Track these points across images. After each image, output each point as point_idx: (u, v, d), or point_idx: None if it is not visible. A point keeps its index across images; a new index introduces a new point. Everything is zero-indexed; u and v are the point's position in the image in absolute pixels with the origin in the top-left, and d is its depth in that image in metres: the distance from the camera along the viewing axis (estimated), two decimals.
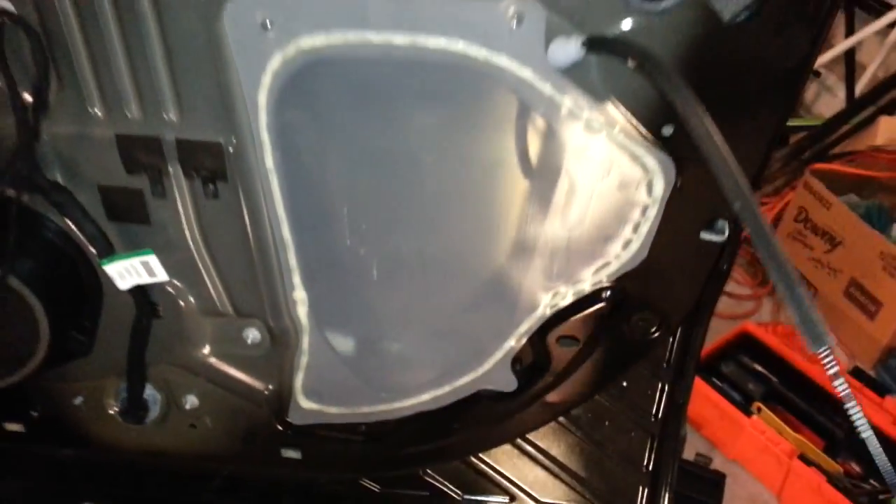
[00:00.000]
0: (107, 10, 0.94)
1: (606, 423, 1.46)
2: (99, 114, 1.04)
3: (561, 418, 1.44)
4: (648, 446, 1.43)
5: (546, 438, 1.49)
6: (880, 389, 2.50)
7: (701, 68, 0.90)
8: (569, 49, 0.89)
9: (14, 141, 1.03)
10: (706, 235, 1.07)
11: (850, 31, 3.58)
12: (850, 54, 3.57)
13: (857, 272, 2.75)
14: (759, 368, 2.48)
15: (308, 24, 0.93)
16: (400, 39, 0.93)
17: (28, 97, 1.01)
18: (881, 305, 2.66)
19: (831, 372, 0.65)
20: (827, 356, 0.62)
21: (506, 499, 1.56)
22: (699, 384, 2.41)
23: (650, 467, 1.45)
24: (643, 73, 0.81)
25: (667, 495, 1.43)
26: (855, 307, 2.76)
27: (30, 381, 1.26)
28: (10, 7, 0.94)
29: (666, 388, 1.39)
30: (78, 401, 1.45)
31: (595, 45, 0.86)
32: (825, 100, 3.92)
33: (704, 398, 2.40)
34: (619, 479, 1.49)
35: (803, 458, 2.20)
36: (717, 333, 2.68)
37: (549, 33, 0.90)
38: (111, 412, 1.44)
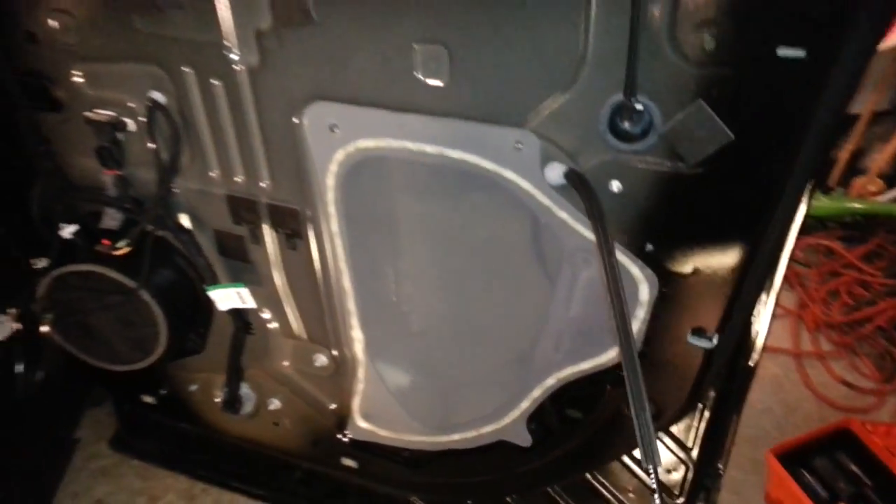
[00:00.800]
0: (224, 107, 1.25)
1: (630, 493, 1.56)
2: (215, 177, 1.36)
3: (589, 478, 1.57)
4: None
5: (573, 496, 1.62)
6: None
7: (670, 199, 1.02)
8: (557, 173, 1.06)
9: (155, 191, 1.38)
10: (693, 340, 1.17)
11: None
12: None
13: None
14: (854, 469, 2.36)
15: (363, 131, 1.17)
16: (430, 149, 1.15)
17: (166, 160, 1.35)
18: None
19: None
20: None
21: None
22: (783, 473, 2.35)
23: None
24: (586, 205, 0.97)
25: None
26: None
27: (156, 367, 1.62)
28: (161, 99, 1.29)
29: (692, 471, 1.47)
30: (193, 387, 1.81)
31: (569, 176, 1.02)
32: None
33: (787, 488, 2.34)
34: None
35: None
36: (823, 423, 2.58)
37: (546, 158, 1.07)
38: (216, 401, 1.79)
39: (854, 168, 3.52)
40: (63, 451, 2.26)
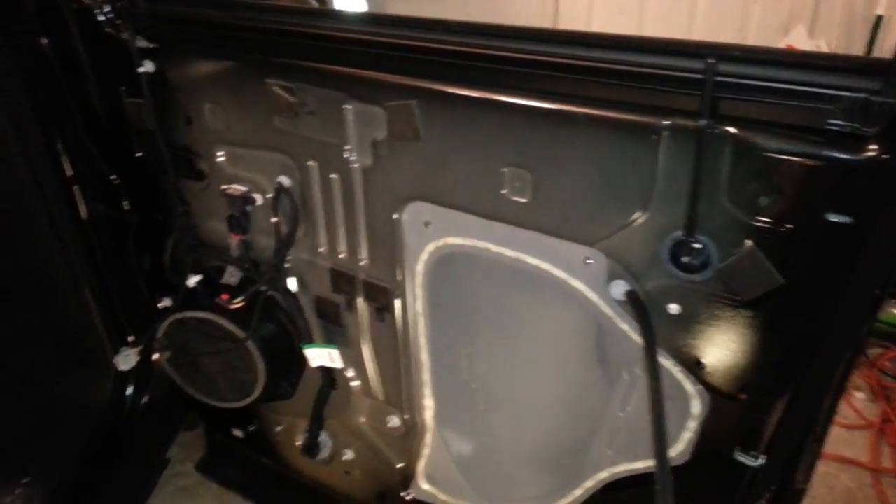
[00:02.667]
0: (338, 196, 1.45)
1: None
2: (323, 251, 1.56)
3: None
4: None
5: None
6: None
7: (724, 325, 1.12)
8: (620, 290, 1.18)
9: (272, 257, 1.59)
10: (740, 457, 1.24)
11: None
12: None
13: None
14: None
15: (453, 230, 1.34)
16: (509, 253, 1.29)
17: (285, 233, 1.56)
18: None
19: None
20: None
21: None
22: None
23: None
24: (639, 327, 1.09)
25: None
26: None
27: (251, 406, 1.82)
28: (287, 182, 1.50)
29: None
30: (278, 428, 2.00)
31: (628, 296, 1.14)
32: None
33: None
34: None
35: None
36: None
37: (612, 275, 1.19)
38: (297, 444, 1.97)
39: None
40: (156, 468, 2.49)
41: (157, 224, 1.84)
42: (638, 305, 1.12)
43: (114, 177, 1.86)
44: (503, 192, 1.23)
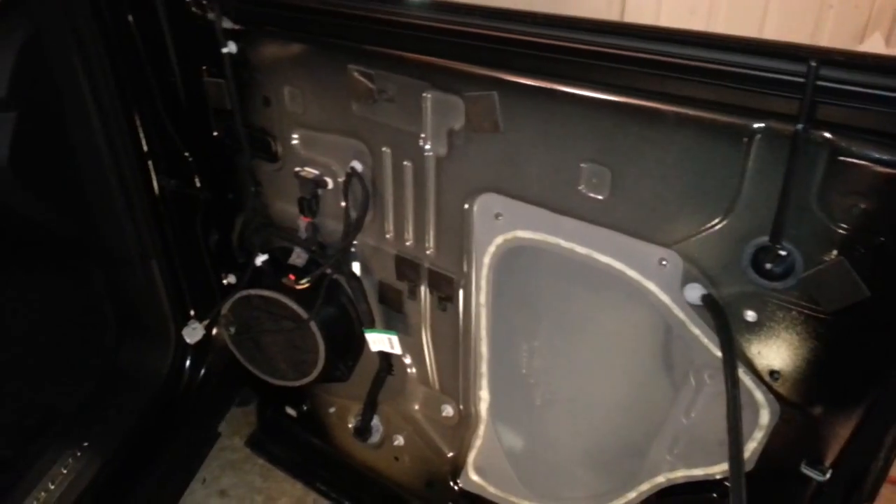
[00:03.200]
0: (409, 184, 1.46)
1: None
2: (389, 238, 1.58)
3: None
4: None
5: None
6: None
7: (801, 335, 1.10)
8: (696, 293, 1.16)
9: (339, 241, 1.62)
10: (806, 470, 1.21)
11: None
12: None
13: None
14: None
15: (523, 223, 1.34)
16: (580, 250, 1.29)
17: (354, 218, 1.58)
18: None
19: None
20: None
21: None
22: None
23: None
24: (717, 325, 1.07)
25: None
26: None
27: (307, 386, 1.85)
28: (359, 168, 1.52)
29: None
30: (332, 410, 2.03)
31: (706, 300, 1.12)
32: None
33: None
34: None
35: None
36: None
37: (687, 278, 1.18)
38: (349, 426, 2.00)
39: None
40: (207, 441, 2.56)
41: (228, 203, 1.88)
42: (716, 310, 1.11)
43: (187, 154, 1.90)
44: (579, 187, 1.22)
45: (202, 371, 2.33)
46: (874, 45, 3.81)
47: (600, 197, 1.21)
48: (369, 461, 2.04)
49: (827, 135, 0.94)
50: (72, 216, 2.12)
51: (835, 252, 1.00)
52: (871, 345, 1.06)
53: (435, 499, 1.93)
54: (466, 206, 1.40)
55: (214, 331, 2.22)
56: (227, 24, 1.53)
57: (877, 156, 0.91)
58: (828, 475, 1.19)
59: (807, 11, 3.94)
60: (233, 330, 1.82)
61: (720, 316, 1.10)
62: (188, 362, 2.31)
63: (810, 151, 0.95)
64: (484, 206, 1.38)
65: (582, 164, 1.19)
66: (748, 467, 1.28)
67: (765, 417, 1.21)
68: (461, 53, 1.26)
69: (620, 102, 1.11)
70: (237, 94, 1.60)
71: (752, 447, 1.26)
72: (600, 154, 1.17)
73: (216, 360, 2.32)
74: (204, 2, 1.56)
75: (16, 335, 2.44)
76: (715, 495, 1.38)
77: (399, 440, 1.91)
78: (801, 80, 0.90)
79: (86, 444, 2.10)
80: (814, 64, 0.88)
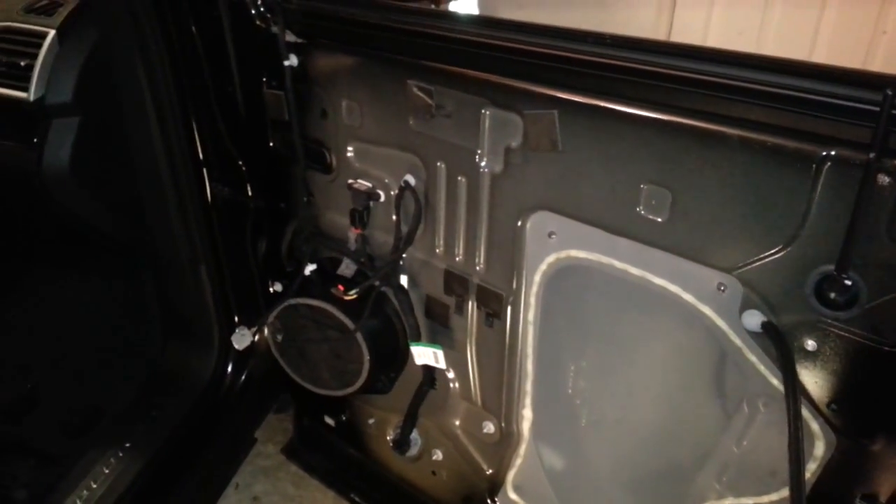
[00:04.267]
0: (463, 199, 1.47)
1: None
2: (439, 252, 1.59)
3: None
4: None
5: None
6: None
7: (862, 368, 1.08)
8: (755, 320, 1.14)
9: (389, 253, 1.63)
10: None
11: None
12: None
13: None
14: None
15: (577, 243, 1.34)
16: (634, 271, 1.28)
17: (405, 231, 1.59)
18: None
19: None
20: None
21: None
22: None
23: None
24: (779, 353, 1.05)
25: None
26: None
27: (348, 396, 1.87)
28: (412, 181, 1.54)
29: None
30: (371, 421, 2.04)
31: (766, 328, 1.11)
32: None
33: None
34: None
35: None
36: None
37: (746, 304, 1.16)
38: (387, 438, 2.00)
39: None
40: (244, 446, 2.58)
41: (279, 212, 1.91)
42: (778, 338, 1.09)
43: (241, 163, 1.94)
44: (638, 209, 1.22)
45: (243, 377, 2.36)
46: None
47: (659, 219, 1.20)
48: (406, 474, 2.04)
49: None
50: (126, 219, 2.18)
51: None
52: None
53: None
54: (520, 223, 1.40)
55: (257, 337, 2.25)
56: (290, 37, 1.57)
57: None
58: None
59: (860, 35, 3.87)
60: (280, 337, 1.84)
61: (782, 344, 1.08)
62: (230, 367, 2.34)
63: (881, 181, 0.94)
64: (537, 224, 1.38)
65: (642, 186, 1.19)
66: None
67: (820, 449, 1.18)
68: (521, 71, 1.27)
69: (683, 124, 1.11)
70: (296, 106, 1.63)
71: (805, 478, 1.23)
72: (661, 175, 1.17)
73: (257, 367, 2.34)
74: (268, 15, 1.60)
75: (65, 334, 2.51)
76: None
77: (438, 455, 1.90)
78: (876, 108, 0.89)
79: (128, 444, 2.13)
80: (890, 92, 0.87)
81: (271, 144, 1.79)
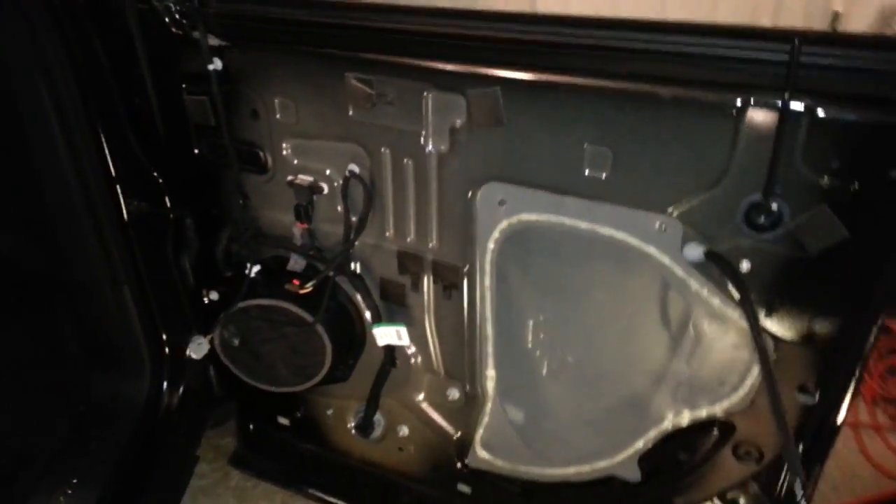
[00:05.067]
0: (410, 181, 1.55)
1: None
2: (389, 235, 1.65)
3: None
4: None
5: None
6: None
7: (788, 278, 1.28)
8: (697, 252, 1.32)
9: (337, 243, 1.68)
10: (798, 397, 1.40)
11: None
12: None
13: None
14: None
15: (527, 206, 1.46)
16: (583, 225, 1.42)
17: (355, 220, 1.64)
18: None
19: None
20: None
21: None
22: None
23: None
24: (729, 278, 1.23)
25: None
26: None
27: (302, 392, 1.89)
28: (356, 170, 1.59)
29: None
30: (329, 412, 2.08)
31: (710, 255, 1.28)
32: None
33: None
34: None
35: None
36: (878, 489, 2.75)
37: (685, 239, 1.33)
38: (348, 426, 2.05)
39: None
40: (189, 466, 2.51)
41: (211, 218, 1.89)
42: (722, 262, 1.26)
43: (156, 175, 1.89)
44: (582, 168, 1.35)
45: (179, 395, 2.31)
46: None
47: (603, 175, 1.34)
48: (371, 457, 2.10)
49: (808, 102, 1.11)
50: (36, 246, 2.05)
51: (818, 201, 1.18)
52: (848, 279, 1.25)
53: (442, 481, 2.01)
54: (470, 196, 1.50)
55: (188, 352, 2.21)
56: (212, 41, 1.56)
57: (850, 117, 1.09)
58: (816, 398, 1.38)
59: None
60: (236, 342, 1.83)
61: (726, 266, 1.26)
62: (165, 387, 2.28)
63: (795, 117, 1.12)
64: (487, 195, 1.48)
65: (585, 146, 1.32)
66: (746, 403, 1.46)
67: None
68: (462, 54, 1.36)
69: (618, 88, 1.25)
70: (224, 110, 1.62)
71: (749, 383, 1.43)
72: (601, 136, 1.31)
73: (191, 382, 2.30)
74: (184, 21, 1.57)
75: None
76: (716, 430, 1.55)
77: (403, 430, 1.98)
78: (786, 56, 1.07)
79: (75, 480, 2.04)
80: (797, 41, 1.05)
81: (197, 151, 1.77)
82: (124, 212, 1.95)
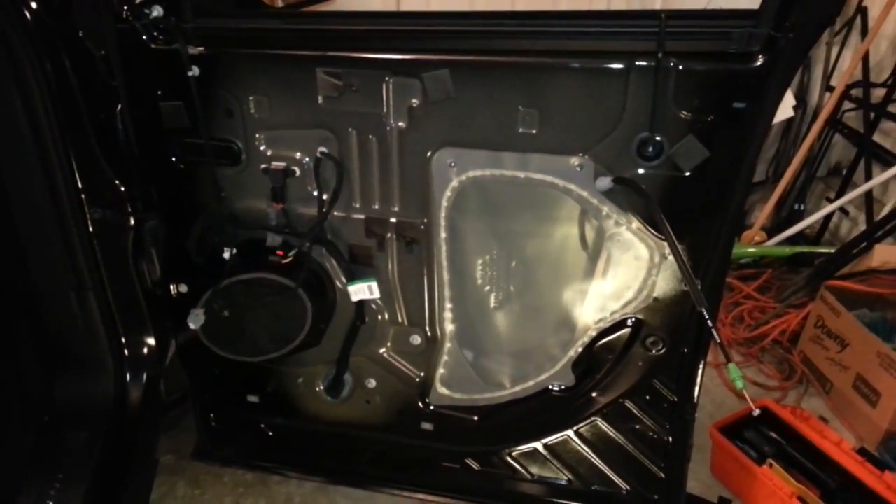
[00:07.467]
0: (374, 155, 1.89)
1: (636, 426, 2.19)
2: (357, 205, 1.98)
3: (603, 422, 2.18)
4: (664, 446, 2.14)
5: (593, 434, 2.23)
6: (881, 465, 3.03)
7: (672, 194, 1.76)
8: (606, 182, 1.77)
9: (311, 218, 1.98)
10: (685, 287, 1.87)
11: (868, 177, 4.37)
12: (868, 195, 4.35)
13: (861, 368, 3.38)
14: (774, 435, 3.11)
15: (473, 165, 1.85)
16: (520, 174, 1.84)
17: (325, 196, 1.95)
18: (880, 395, 3.27)
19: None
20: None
21: (563, 479, 2.28)
22: (726, 444, 3.04)
23: (666, 462, 2.15)
24: (638, 196, 1.69)
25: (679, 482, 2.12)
26: (860, 397, 3.37)
27: (272, 367, 2.14)
28: (326, 150, 1.91)
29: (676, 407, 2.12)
30: (300, 381, 2.32)
31: (618, 181, 1.74)
32: (853, 233, 4.63)
33: (729, 455, 3.04)
34: (642, 466, 2.20)
35: (802, 501, 2.80)
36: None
37: (597, 173, 1.78)
38: (318, 390, 2.30)
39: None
40: (153, 469, 2.60)
41: (182, 214, 2.10)
42: (627, 182, 1.73)
43: (118, 182, 2.08)
44: (516, 127, 1.77)
45: (143, 393, 2.43)
46: None
47: (533, 131, 1.77)
48: (341, 416, 2.35)
49: (675, 60, 1.60)
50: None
51: (686, 133, 1.67)
52: (715, 190, 1.74)
53: (406, 424, 2.31)
54: (426, 162, 1.87)
55: (145, 350, 2.37)
56: (190, 49, 1.83)
57: (704, 67, 1.60)
58: (698, 286, 1.87)
59: None
60: (227, 313, 2.04)
61: (633, 183, 1.72)
62: (130, 388, 2.40)
63: (665, 71, 1.61)
64: (440, 159, 1.86)
65: (519, 108, 1.74)
66: (650, 299, 1.92)
67: (656, 257, 1.86)
68: (417, 46, 1.75)
69: (541, 63, 1.69)
70: (203, 113, 1.87)
71: (650, 282, 1.90)
72: (531, 101, 1.74)
73: (151, 382, 2.43)
74: (161, 37, 1.83)
75: None
76: (629, 329, 2.00)
77: (371, 383, 2.26)
78: (657, 28, 1.56)
79: (58, 484, 2.13)
80: (664, 16, 1.54)
81: (171, 153, 2.00)
82: (89, 220, 2.12)
